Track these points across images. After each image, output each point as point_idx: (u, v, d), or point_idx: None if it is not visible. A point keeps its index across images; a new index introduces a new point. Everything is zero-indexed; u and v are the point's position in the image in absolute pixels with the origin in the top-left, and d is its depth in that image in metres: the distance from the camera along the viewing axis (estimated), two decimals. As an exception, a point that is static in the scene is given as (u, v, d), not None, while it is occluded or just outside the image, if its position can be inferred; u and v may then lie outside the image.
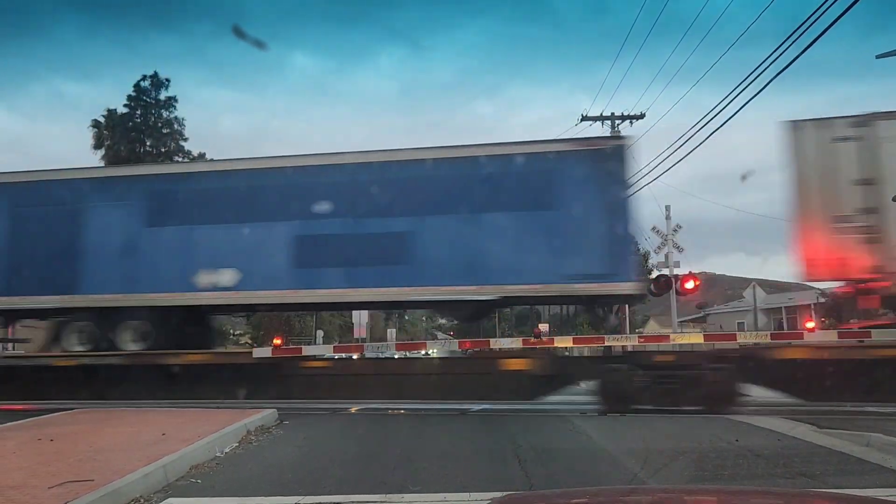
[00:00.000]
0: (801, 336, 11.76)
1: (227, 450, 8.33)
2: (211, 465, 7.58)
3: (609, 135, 23.95)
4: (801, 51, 12.17)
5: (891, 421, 10.04)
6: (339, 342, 37.70)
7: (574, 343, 12.69)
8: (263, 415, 10.71)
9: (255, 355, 13.77)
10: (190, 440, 8.10)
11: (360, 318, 38.01)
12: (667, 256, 24.89)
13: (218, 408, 12.83)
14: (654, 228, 25.28)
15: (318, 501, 6.17)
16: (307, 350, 14.87)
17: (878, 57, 12.61)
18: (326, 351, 15.48)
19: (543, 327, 33.69)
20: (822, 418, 10.34)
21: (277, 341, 14.25)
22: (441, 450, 8.88)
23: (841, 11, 10.80)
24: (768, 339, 12.06)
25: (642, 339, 13.69)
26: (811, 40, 11.71)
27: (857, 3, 10.27)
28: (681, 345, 14.03)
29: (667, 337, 13.18)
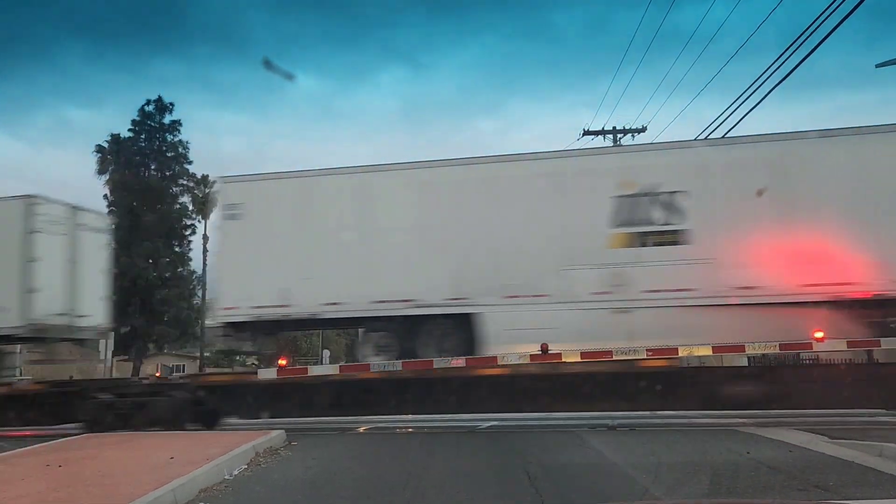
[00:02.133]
0: (809, 346, 11.68)
1: (235, 472, 8.29)
2: (220, 487, 7.53)
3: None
4: (799, 60, 12.27)
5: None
6: (346, 361, 37.55)
7: (582, 358, 12.53)
8: (272, 436, 10.67)
9: (260, 376, 13.72)
10: (198, 463, 8.06)
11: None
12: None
13: (225, 429, 12.81)
14: None
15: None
16: (313, 370, 14.76)
17: (878, 66, 12.70)
18: (332, 370, 15.39)
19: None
20: (834, 429, 10.26)
21: (283, 361, 14.12)
22: (450, 467, 8.83)
23: (837, 22, 10.91)
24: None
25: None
26: (809, 50, 11.82)
27: (853, 12, 10.34)
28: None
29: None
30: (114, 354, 27.87)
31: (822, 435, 9.80)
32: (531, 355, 12.39)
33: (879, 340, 11.39)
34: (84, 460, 8.93)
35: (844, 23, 10.82)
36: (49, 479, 7.64)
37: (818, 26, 11.39)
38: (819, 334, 11.41)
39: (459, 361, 12.52)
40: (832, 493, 6.68)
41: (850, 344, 11.44)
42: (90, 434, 12.18)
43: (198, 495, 7.11)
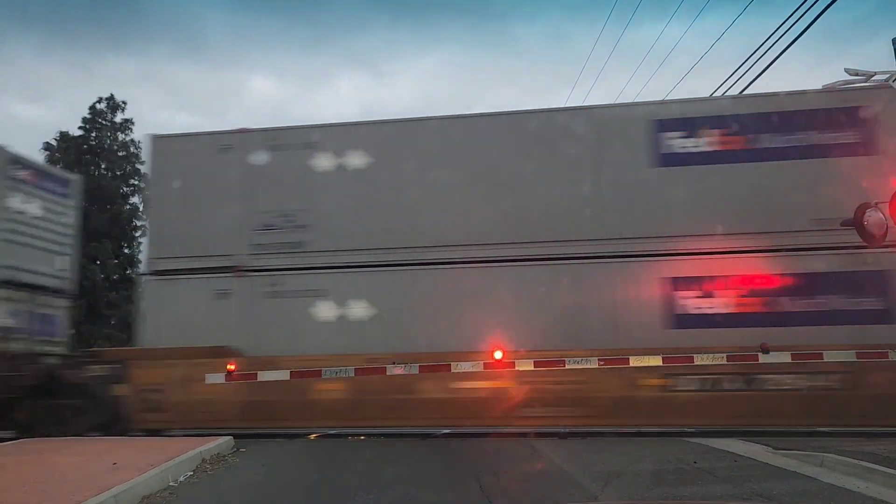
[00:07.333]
0: (755, 358, 11.93)
1: (181, 479, 8.10)
2: (164, 494, 7.35)
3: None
4: (752, 79, 12.69)
5: (843, 441, 10.25)
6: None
7: (535, 367, 12.62)
8: (219, 442, 10.46)
9: (207, 381, 13.41)
10: (142, 469, 7.86)
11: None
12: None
13: (172, 436, 12.51)
14: None
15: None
16: (262, 375, 14.42)
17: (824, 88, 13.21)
18: (283, 375, 15.16)
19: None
20: (777, 440, 10.52)
21: (231, 366, 13.79)
22: (402, 475, 8.78)
23: (788, 43, 11.32)
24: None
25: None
26: (761, 69, 12.24)
27: (800, 37, 10.73)
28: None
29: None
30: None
31: (765, 445, 10.04)
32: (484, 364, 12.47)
33: (822, 353, 11.71)
34: (21, 466, 8.61)
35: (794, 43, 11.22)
36: (-18, 485, 7.34)
37: (770, 47, 11.80)
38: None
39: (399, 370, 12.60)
40: (773, 501, 6.85)
41: (794, 356, 11.74)
42: (29, 439, 11.76)
43: (140, 503, 6.93)
